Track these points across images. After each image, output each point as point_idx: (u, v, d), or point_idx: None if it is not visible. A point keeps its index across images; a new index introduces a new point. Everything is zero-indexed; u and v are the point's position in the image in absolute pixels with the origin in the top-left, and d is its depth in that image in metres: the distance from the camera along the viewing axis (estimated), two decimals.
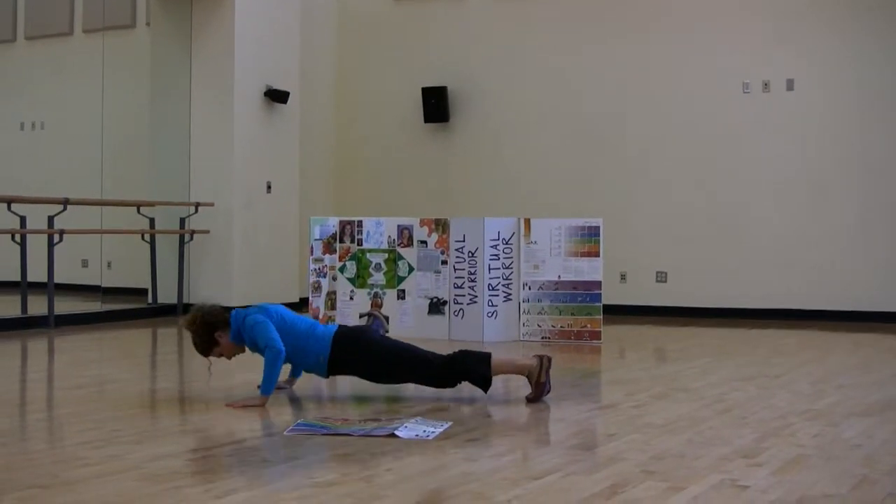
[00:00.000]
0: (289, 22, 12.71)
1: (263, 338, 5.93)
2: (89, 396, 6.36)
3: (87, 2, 13.56)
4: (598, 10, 12.82)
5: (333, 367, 6.14)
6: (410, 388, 6.62)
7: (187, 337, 6.24)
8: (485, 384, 6.06)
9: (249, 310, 6.17)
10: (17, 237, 10.51)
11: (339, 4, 14.28)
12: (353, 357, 6.11)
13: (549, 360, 6.08)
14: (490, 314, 9.49)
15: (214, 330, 6.08)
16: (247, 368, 6.79)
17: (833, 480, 4.21)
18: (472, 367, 6.04)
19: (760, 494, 3.98)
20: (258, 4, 12.23)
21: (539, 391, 6.02)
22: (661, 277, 12.42)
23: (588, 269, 9.42)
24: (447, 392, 6.27)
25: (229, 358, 6.26)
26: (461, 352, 6.16)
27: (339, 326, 6.29)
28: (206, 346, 6.12)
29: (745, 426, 5.34)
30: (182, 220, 11.96)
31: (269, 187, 12.33)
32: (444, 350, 6.28)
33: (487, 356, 6.09)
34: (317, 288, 9.50)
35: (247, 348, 6.17)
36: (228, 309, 6.24)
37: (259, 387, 6.00)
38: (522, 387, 6.40)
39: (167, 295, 12.06)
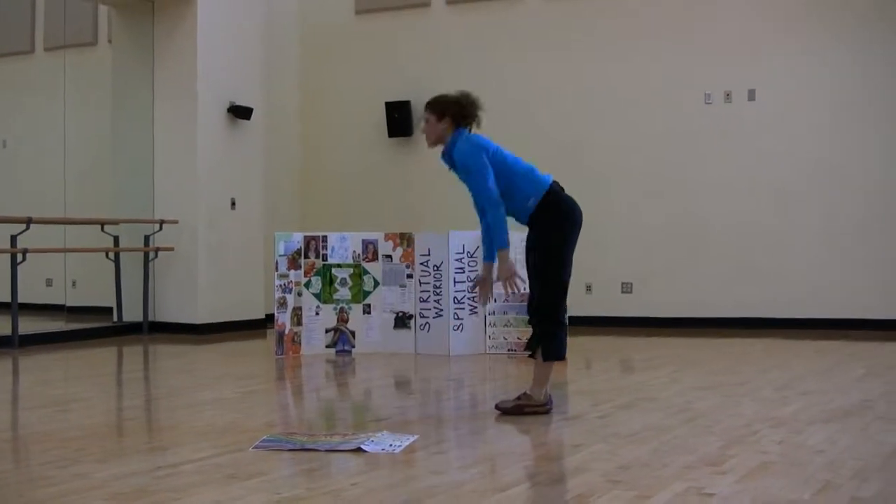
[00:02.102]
0: (251, 38, 12.69)
1: (484, 187, 5.94)
2: (54, 416, 6.32)
3: (48, 19, 13.49)
4: (562, 25, 12.87)
5: (536, 215, 6.02)
6: (375, 400, 6.61)
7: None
8: (533, 350, 6.11)
9: (473, 139, 6.13)
10: None
11: (301, 18, 14.28)
12: (553, 216, 6.01)
13: (548, 412, 6.05)
14: (456, 327, 9.51)
15: (445, 113, 6.14)
16: (210, 386, 6.77)
17: (797, 486, 4.24)
18: (552, 342, 6.04)
19: (725, 502, 4.01)
20: (220, 20, 12.21)
21: (514, 412, 6.00)
22: (627, 288, 12.47)
23: None
24: (412, 405, 6.27)
25: (423, 133, 6.27)
26: (566, 328, 6.18)
27: (554, 183, 6.15)
28: (432, 106, 6.18)
29: (710, 434, 5.37)
30: (146, 238, 11.92)
31: (233, 203, 12.30)
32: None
33: (558, 357, 6.09)
34: (282, 304, 9.48)
35: (441, 156, 6.20)
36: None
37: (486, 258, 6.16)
38: (489, 398, 6.41)
39: (132, 313, 12.01)
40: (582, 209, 6.12)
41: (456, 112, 6.12)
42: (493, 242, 6.01)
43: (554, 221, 6.02)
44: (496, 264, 6.11)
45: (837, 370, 8.26)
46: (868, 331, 11.12)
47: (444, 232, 9.74)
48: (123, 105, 12.41)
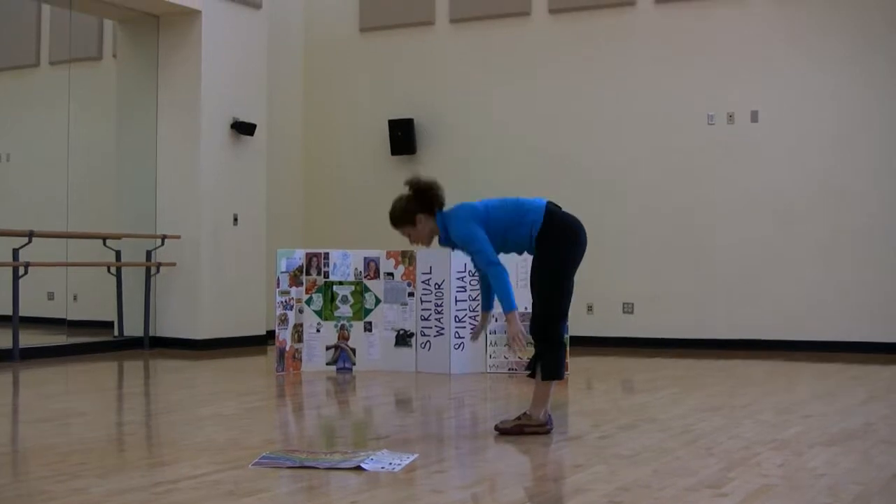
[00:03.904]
0: (255, 54, 12.71)
1: (480, 253, 5.95)
2: (54, 430, 6.31)
3: (53, 33, 13.52)
4: (565, 44, 12.89)
5: (541, 238, 6.01)
6: (375, 418, 6.59)
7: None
8: (533, 370, 6.12)
9: (459, 213, 6.07)
10: None
11: (305, 36, 14.31)
12: (558, 236, 6.01)
13: (548, 432, 6.04)
14: (457, 346, 9.50)
15: (416, 215, 6.10)
16: (211, 402, 6.76)
17: None
18: (552, 361, 6.05)
19: None
20: (225, 37, 12.23)
21: (514, 432, 5.99)
22: (628, 308, 12.46)
23: None
24: (413, 424, 6.25)
25: (414, 243, 6.28)
26: (564, 345, 6.19)
27: (548, 205, 6.13)
28: (399, 221, 6.15)
29: (710, 456, 5.35)
30: (148, 253, 11.92)
31: (235, 219, 12.30)
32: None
33: (557, 377, 6.09)
34: (283, 320, 9.47)
35: (439, 242, 6.19)
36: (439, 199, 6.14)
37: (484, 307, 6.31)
38: (490, 418, 6.40)
39: (133, 328, 12.00)
40: (585, 228, 6.12)
41: (423, 206, 6.10)
42: (501, 303, 6.01)
43: (558, 241, 6.03)
44: (491, 312, 6.39)
45: (839, 393, 8.24)
46: (871, 354, 11.10)
47: (446, 251, 9.72)
48: (127, 120, 12.43)
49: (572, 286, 6.16)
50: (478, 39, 13.35)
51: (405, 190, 6.17)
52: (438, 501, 4.37)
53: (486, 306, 6.39)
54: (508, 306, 5.95)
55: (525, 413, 6.08)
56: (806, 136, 11.78)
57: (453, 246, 6.22)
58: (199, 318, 11.84)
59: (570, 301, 6.17)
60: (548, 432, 6.03)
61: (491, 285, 6.07)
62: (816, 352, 11.35)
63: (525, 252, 6.19)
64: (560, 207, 6.18)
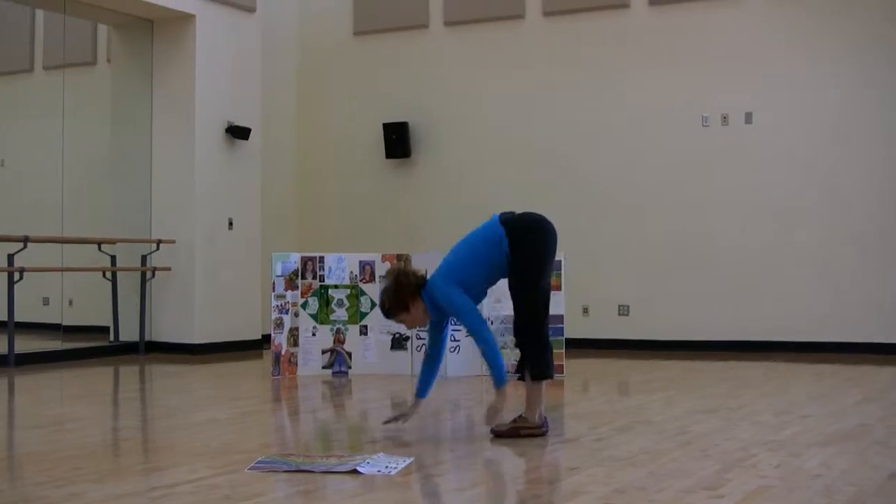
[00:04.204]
0: (250, 58, 12.71)
1: (467, 317, 6.00)
2: (50, 436, 6.30)
3: (47, 39, 13.51)
4: (560, 47, 12.90)
5: (512, 244, 6.02)
6: (372, 421, 6.59)
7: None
8: (522, 372, 6.13)
9: (436, 282, 6.09)
10: None
11: (299, 39, 14.31)
12: (526, 235, 6.04)
13: (544, 434, 6.05)
14: (453, 349, 9.48)
15: (404, 302, 6.07)
16: (206, 407, 6.75)
17: None
18: (540, 359, 6.05)
19: None
20: (219, 40, 12.24)
21: (510, 435, 5.99)
22: (624, 311, 12.46)
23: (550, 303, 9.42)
24: (410, 427, 6.25)
25: (411, 327, 6.28)
26: (549, 344, 6.17)
27: (501, 217, 6.19)
28: (392, 311, 6.11)
29: (707, 458, 5.35)
30: (143, 258, 11.91)
31: (230, 224, 12.29)
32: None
33: (547, 375, 6.10)
34: (279, 324, 9.47)
35: (431, 320, 6.17)
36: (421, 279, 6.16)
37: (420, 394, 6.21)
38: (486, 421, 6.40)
39: (129, 333, 11.99)
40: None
41: (408, 293, 6.08)
42: (492, 373, 6.05)
43: (533, 242, 6.06)
44: (422, 400, 6.28)
45: (835, 394, 8.25)
46: (867, 354, 11.11)
47: (441, 253, 9.72)
48: (122, 124, 12.43)
49: (550, 281, 6.22)
50: (472, 42, 13.36)
51: (387, 280, 6.17)
52: None
53: (422, 393, 6.28)
54: (500, 380, 5.99)
55: (521, 416, 6.08)
56: (802, 137, 11.79)
57: (446, 317, 6.20)
58: (194, 323, 11.84)
59: (549, 298, 6.19)
60: (544, 434, 6.03)
61: (484, 356, 6.09)
62: (812, 353, 11.35)
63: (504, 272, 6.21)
64: (511, 212, 6.23)
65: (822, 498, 4.45)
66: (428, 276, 6.16)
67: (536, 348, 6.08)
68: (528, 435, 5.98)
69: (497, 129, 13.16)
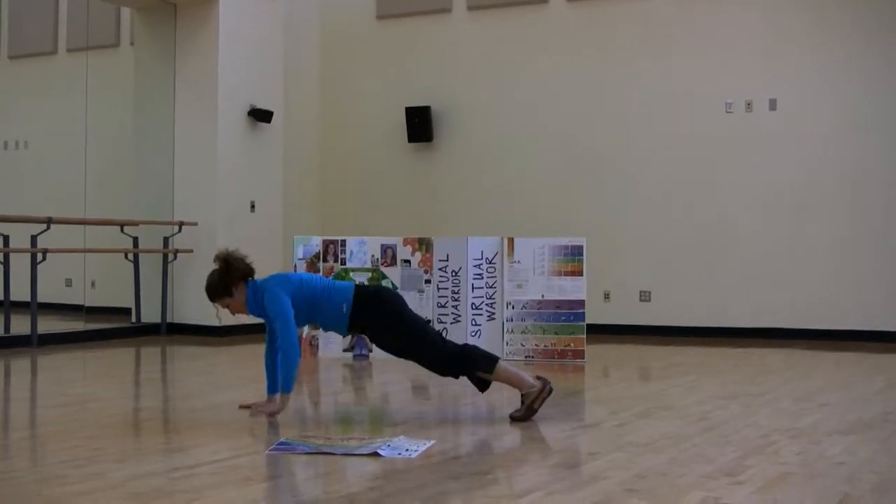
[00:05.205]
0: (273, 41, 12.72)
1: (282, 323, 6.00)
2: (72, 415, 6.33)
3: (70, 21, 13.54)
4: (582, 32, 12.86)
5: (354, 321, 6.12)
6: (392, 405, 6.60)
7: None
8: (482, 385, 6.13)
9: (269, 283, 6.17)
10: (1, 256, 10.48)
11: (322, 23, 14.30)
12: (375, 312, 6.10)
13: (551, 390, 6.08)
14: (474, 333, 9.49)
15: (230, 286, 6.09)
16: (228, 389, 6.77)
17: (815, 498, 4.22)
18: (478, 364, 6.06)
19: None
20: (242, 24, 12.24)
21: (529, 415, 6.01)
22: (645, 296, 12.43)
23: (571, 289, 9.44)
24: (429, 410, 6.26)
25: (234, 313, 6.27)
26: (472, 346, 6.20)
27: (357, 284, 6.34)
28: (218, 293, 6.11)
29: (728, 444, 5.34)
30: (166, 239, 11.94)
31: (252, 206, 12.31)
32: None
33: (495, 360, 6.11)
34: None
35: (247, 310, 6.18)
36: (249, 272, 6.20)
37: (271, 391, 6.14)
38: (507, 405, 6.40)
39: (151, 314, 12.03)
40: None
41: (235, 277, 6.10)
42: (282, 382, 6.03)
43: (378, 308, 6.12)
44: (274, 396, 6.14)
45: (857, 381, 8.22)
46: (889, 343, 11.07)
47: (463, 237, 9.74)
48: (144, 107, 12.46)
49: (421, 320, 6.34)
50: (495, 27, 13.32)
51: (217, 263, 6.15)
52: (455, 488, 4.37)
53: (272, 389, 6.21)
54: (287, 388, 5.99)
55: (521, 397, 6.08)
56: (824, 124, 11.72)
57: (260, 313, 6.19)
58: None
59: (432, 328, 6.31)
60: (550, 391, 6.07)
61: (279, 363, 6.09)
62: (834, 340, 11.31)
63: (342, 330, 6.26)
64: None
65: (844, 485, 4.43)
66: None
67: (464, 363, 6.10)
68: (542, 401, 6.02)
69: (519, 115, 13.12)
